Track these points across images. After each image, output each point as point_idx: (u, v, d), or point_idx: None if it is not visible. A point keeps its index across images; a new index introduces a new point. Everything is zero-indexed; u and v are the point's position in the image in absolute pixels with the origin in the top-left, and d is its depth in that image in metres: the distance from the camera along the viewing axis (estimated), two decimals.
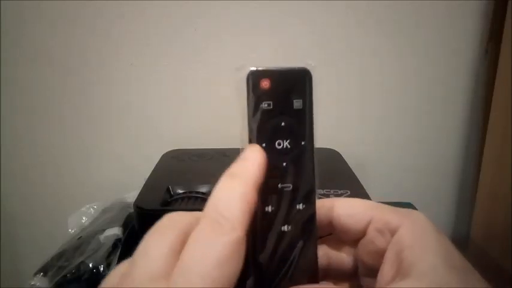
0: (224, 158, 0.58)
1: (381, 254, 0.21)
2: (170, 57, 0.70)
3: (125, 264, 0.19)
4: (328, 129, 0.73)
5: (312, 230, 0.22)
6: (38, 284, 0.48)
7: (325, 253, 0.24)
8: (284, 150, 0.22)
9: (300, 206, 0.22)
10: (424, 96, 0.72)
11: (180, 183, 0.49)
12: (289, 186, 0.22)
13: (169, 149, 0.63)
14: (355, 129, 0.74)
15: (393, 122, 0.73)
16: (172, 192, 0.48)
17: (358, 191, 0.48)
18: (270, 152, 0.21)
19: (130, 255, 0.19)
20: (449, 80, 0.71)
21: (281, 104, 0.22)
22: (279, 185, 0.22)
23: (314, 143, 0.23)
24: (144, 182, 0.52)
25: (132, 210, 0.55)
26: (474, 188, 0.71)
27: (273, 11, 0.67)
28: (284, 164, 0.22)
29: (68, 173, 0.76)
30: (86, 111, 0.73)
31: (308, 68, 0.23)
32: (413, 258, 0.19)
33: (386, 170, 0.75)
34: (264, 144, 0.21)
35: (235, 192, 0.19)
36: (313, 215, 0.22)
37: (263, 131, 0.21)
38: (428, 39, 0.69)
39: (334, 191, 0.47)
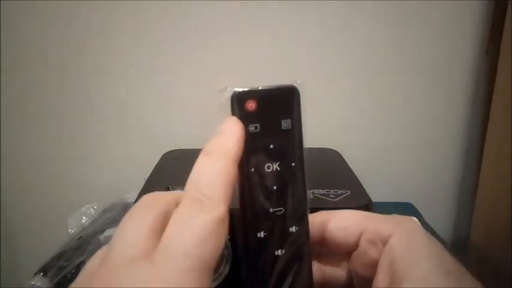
0: None
1: (374, 265, 0.21)
2: (170, 57, 0.70)
3: (103, 249, 0.19)
4: (328, 129, 0.73)
5: (306, 251, 0.22)
6: (38, 284, 0.48)
7: (319, 268, 0.24)
8: (274, 173, 0.21)
9: (293, 229, 0.21)
10: (424, 96, 0.72)
11: (180, 183, 0.49)
12: (281, 210, 0.21)
13: (169, 149, 0.63)
14: (356, 129, 0.74)
15: (393, 122, 0.73)
16: None
17: (358, 191, 0.48)
18: (260, 176, 0.21)
19: None
20: (450, 81, 0.71)
21: (268, 125, 0.21)
22: (271, 209, 0.21)
23: (304, 162, 0.21)
24: (144, 182, 0.52)
25: None
26: (474, 188, 0.71)
27: (273, 10, 0.67)
28: (275, 187, 0.21)
29: (67, 173, 0.76)
30: (86, 112, 0.73)
31: (295, 85, 0.21)
32: (406, 267, 0.19)
33: (387, 170, 0.75)
34: (252, 169, 0.21)
35: (214, 168, 0.19)
36: (306, 237, 0.22)
37: (251, 155, 0.20)
38: (428, 39, 0.69)
39: (334, 191, 0.47)
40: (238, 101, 0.20)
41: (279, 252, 0.21)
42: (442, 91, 0.72)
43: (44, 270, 0.50)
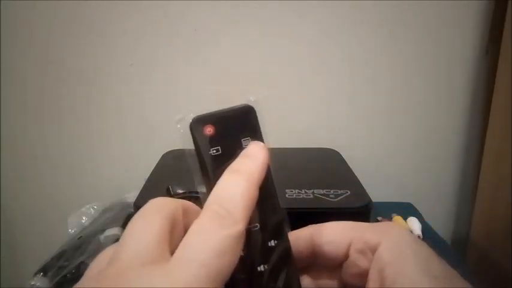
0: None
1: (365, 275, 0.21)
2: (170, 57, 0.70)
3: (110, 250, 0.19)
4: (329, 129, 0.73)
5: (290, 264, 0.21)
6: (38, 284, 0.49)
7: (312, 282, 0.24)
8: None
9: (272, 243, 0.21)
10: (424, 96, 0.72)
11: (180, 183, 0.49)
12: (256, 226, 0.21)
13: (169, 149, 0.63)
14: (356, 129, 0.74)
15: (393, 122, 0.73)
16: (172, 192, 0.48)
17: (358, 191, 0.48)
18: None
19: None
20: (450, 80, 0.71)
21: (230, 146, 0.21)
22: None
23: (272, 176, 0.21)
24: (144, 182, 0.52)
25: (132, 210, 0.55)
26: (474, 188, 0.71)
27: (273, 10, 0.67)
28: None
29: (68, 173, 0.76)
30: (86, 111, 0.73)
31: (250, 104, 0.21)
32: (394, 274, 0.19)
33: (387, 170, 0.75)
34: None
35: (238, 187, 0.19)
36: (287, 249, 0.21)
37: (218, 176, 0.20)
38: (428, 39, 0.69)
39: (334, 191, 0.47)
40: (197, 128, 0.21)
41: (261, 267, 0.21)
42: (442, 91, 0.72)
43: (44, 270, 0.50)
